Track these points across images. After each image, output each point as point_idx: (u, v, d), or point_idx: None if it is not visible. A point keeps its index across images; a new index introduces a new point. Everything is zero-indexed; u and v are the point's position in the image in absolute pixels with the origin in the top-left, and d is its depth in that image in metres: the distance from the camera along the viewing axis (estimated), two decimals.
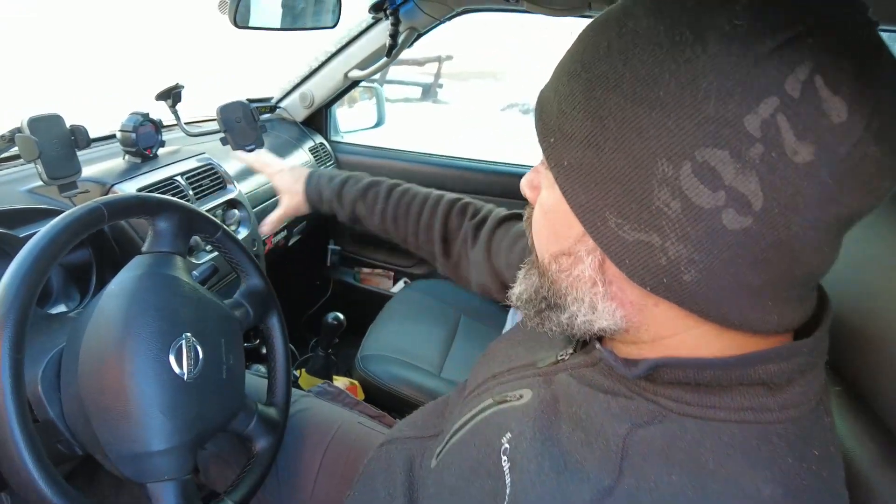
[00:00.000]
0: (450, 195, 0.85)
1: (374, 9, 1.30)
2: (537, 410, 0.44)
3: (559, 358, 0.50)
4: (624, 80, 0.33)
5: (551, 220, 0.41)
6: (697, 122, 0.31)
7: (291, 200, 0.89)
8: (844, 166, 0.30)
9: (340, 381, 1.21)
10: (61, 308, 0.86)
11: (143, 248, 0.65)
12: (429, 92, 6.68)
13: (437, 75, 6.73)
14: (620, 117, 0.33)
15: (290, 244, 1.42)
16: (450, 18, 1.40)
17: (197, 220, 0.69)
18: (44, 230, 0.53)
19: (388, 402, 1.13)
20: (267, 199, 1.25)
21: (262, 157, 0.95)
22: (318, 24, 1.06)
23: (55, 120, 0.80)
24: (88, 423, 0.55)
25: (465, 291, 1.54)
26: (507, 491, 0.40)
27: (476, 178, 1.62)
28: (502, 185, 1.60)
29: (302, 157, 1.50)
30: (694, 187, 0.31)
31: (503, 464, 0.42)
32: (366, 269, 1.80)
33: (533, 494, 0.38)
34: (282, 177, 0.90)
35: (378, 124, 1.87)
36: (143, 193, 0.65)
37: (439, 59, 6.59)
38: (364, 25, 1.41)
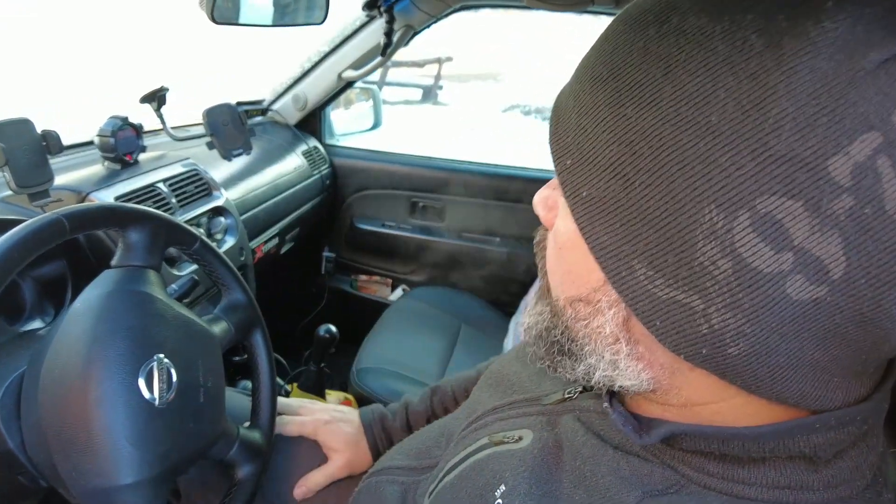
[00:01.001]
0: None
1: (368, 6, 1.26)
2: (536, 459, 0.38)
3: (566, 395, 0.44)
4: (663, 94, 0.26)
5: (567, 257, 0.34)
6: (761, 162, 0.24)
7: (354, 457, 0.70)
8: None
9: (334, 396, 1.16)
10: (36, 324, 0.81)
11: (113, 262, 0.60)
12: (429, 94, 6.66)
13: (438, 77, 6.71)
14: (657, 144, 0.26)
15: (282, 252, 1.38)
16: (446, 15, 1.36)
17: (172, 231, 0.64)
18: None
19: None
20: (256, 206, 1.21)
21: (295, 406, 0.75)
22: (307, 20, 1.02)
23: (24, 125, 0.75)
24: (50, 455, 0.51)
25: (465, 300, 1.50)
26: None
27: (477, 182, 1.58)
28: (503, 189, 1.56)
29: (295, 161, 1.46)
30: (751, 245, 0.25)
31: None
32: (363, 277, 1.76)
33: None
34: (333, 431, 0.71)
35: (375, 126, 1.82)
36: (109, 202, 0.60)
37: (439, 61, 6.56)
38: (358, 24, 1.36)
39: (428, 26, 1.37)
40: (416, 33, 1.37)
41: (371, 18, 1.33)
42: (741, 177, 0.24)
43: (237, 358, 1.06)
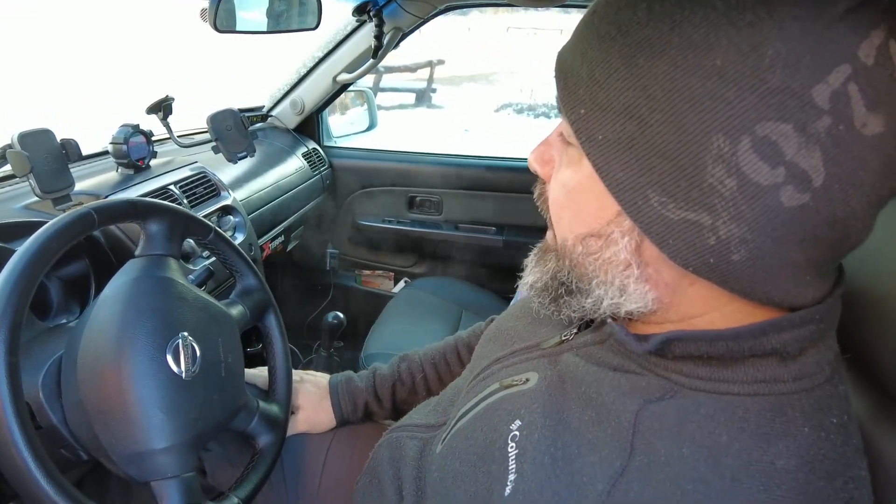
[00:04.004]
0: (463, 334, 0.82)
1: (358, 11, 1.31)
2: (545, 394, 0.43)
3: (563, 338, 0.49)
4: (672, 45, 0.30)
5: (577, 199, 0.38)
6: (760, 94, 0.28)
7: (315, 415, 0.77)
8: None
9: None
10: (62, 320, 0.86)
11: (136, 252, 0.65)
12: (422, 97, 6.71)
13: (430, 80, 6.76)
14: (669, 87, 0.30)
15: (288, 249, 1.43)
16: (434, 16, 1.41)
17: (188, 223, 0.69)
18: (35, 235, 0.53)
19: None
20: (262, 206, 1.26)
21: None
22: (301, 25, 1.07)
23: (45, 134, 0.81)
24: (90, 427, 0.56)
25: (465, 288, 1.55)
26: (511, 478, 0.39)
27: (471, 174, 1.63)
28: (498, 180, 1.61)
29: (296, 163, 1.51)
30: (752, 164, 0.29)
31: (509, 449, 0.41)
32: (366, 271, 1.81)
33: (547, 490, 0.37)
34: (297, 390, 0.77)
35: (370, 128, 1.88)
36: (132, 198, 0.65)
37: (431, 64, 6.62)
38: (349, 29, 1.42)
39: (416, 27, 1.42)
40: (405, 35, 1.42)
41: (361, 23, 1.39)
42: (743, 108, 0.29)
43: (250, 349, 1.11)
